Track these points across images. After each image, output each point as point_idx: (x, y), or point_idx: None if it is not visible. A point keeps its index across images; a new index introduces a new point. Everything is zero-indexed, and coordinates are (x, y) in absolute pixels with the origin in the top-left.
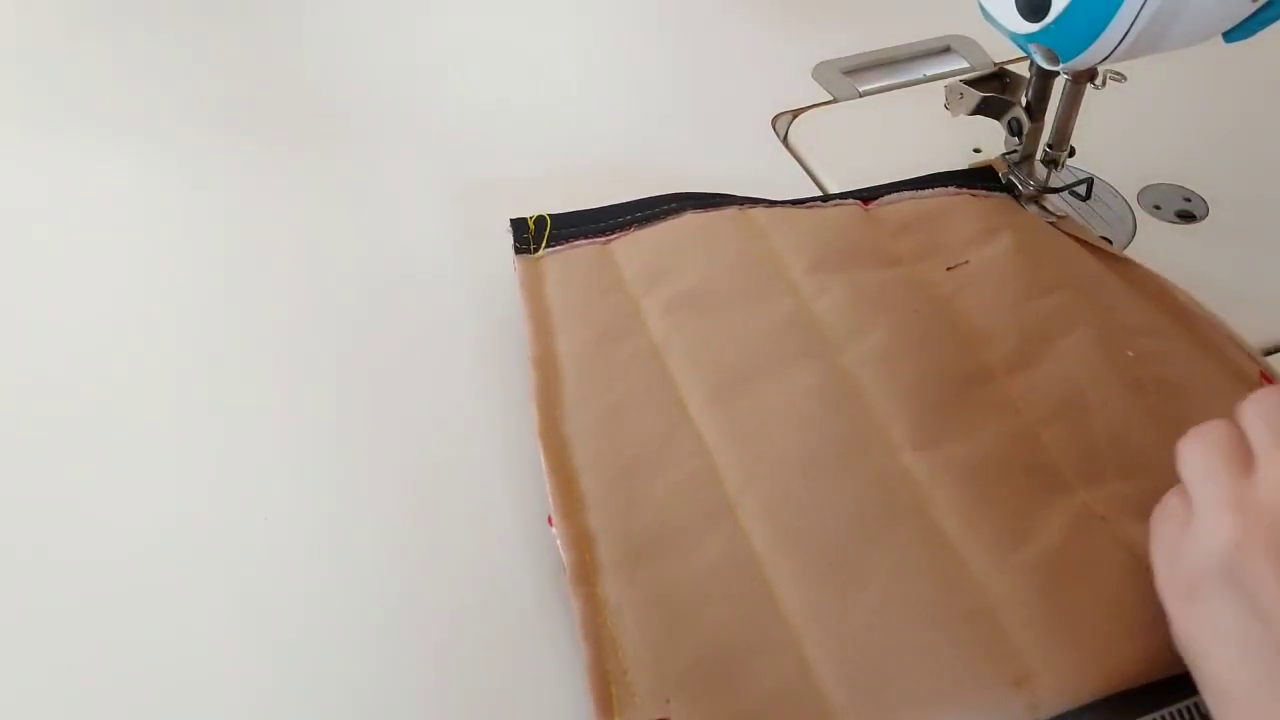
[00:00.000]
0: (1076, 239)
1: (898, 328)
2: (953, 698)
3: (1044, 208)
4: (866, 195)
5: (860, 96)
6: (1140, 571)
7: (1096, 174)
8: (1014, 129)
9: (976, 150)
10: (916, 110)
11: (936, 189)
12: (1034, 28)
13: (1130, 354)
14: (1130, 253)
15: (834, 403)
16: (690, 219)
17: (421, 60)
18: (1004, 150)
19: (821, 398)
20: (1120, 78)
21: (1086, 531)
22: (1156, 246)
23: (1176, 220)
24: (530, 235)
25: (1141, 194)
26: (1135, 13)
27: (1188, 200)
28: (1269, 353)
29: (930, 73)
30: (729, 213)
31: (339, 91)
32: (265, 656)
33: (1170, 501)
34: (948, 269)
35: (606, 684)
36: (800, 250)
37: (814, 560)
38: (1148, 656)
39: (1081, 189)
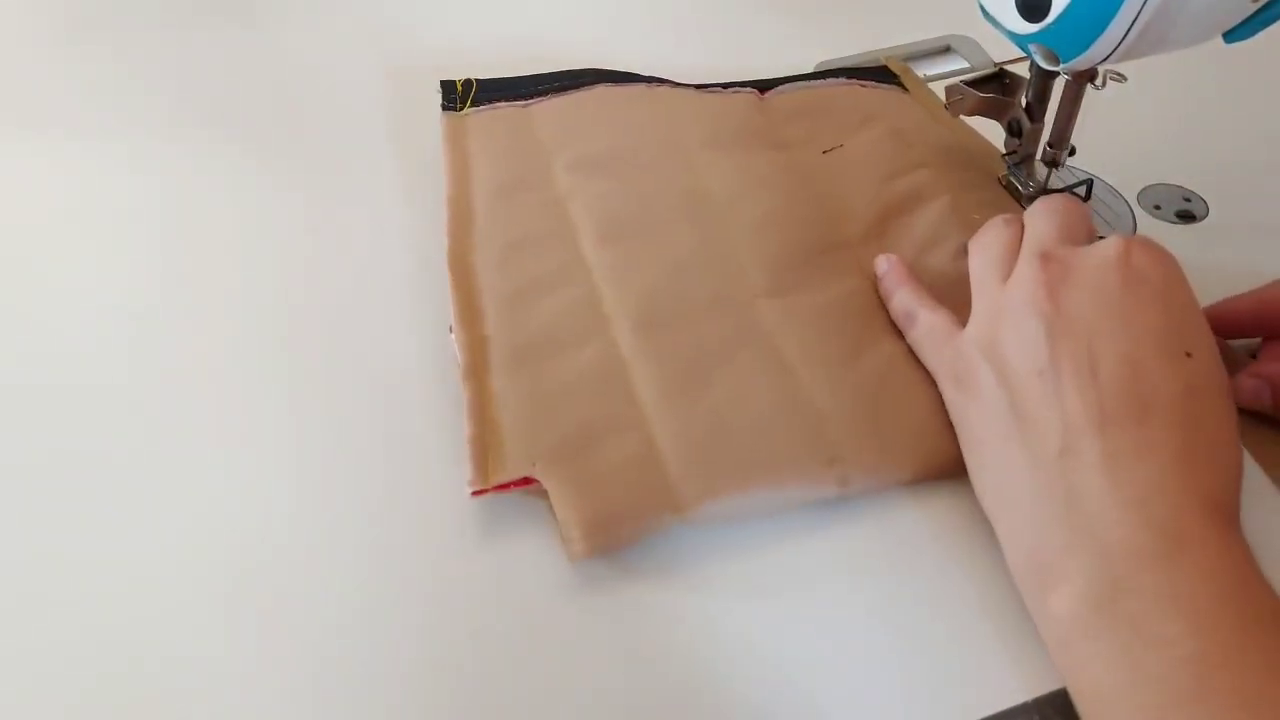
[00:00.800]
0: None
1: (773, 204)
2: (772, 471)
3: None
4: (763, 85)
5: None
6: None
7: (1096, 174)
8: (1014, 130)
9: None
10: None
11: (828, 80)
12: (1034, 28)
13: (976, 217)
14: None
15: (706, 256)
16: (602, 91)
17: (409, 61)
18: (1004, 150)
19: (695, 250)
20: (1120, 78)
21: (908, 363)
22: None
23: (1176, 220)
24: (458, 95)
25: (1141, 194)
26: (1135, 13)
27: (1188, 200)
28: None
29: (930, 73)
30: (638, 89)
31: (323, 90)
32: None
33: (926, 315)
34: (824, 153)
35: (484, 453)
36: (698, 129)
37: (669, 369)
38: (942, 454)
39: (1081, 189)
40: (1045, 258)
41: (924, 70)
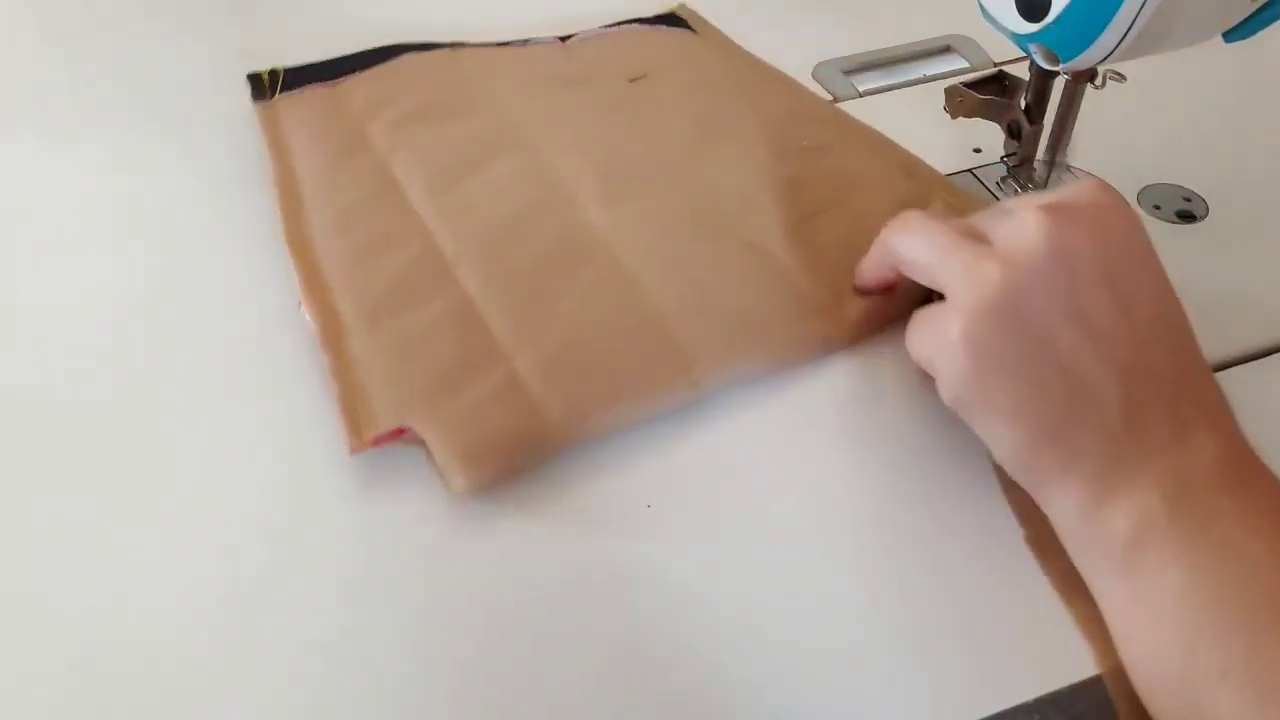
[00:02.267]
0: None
1: (587, 126)
2: (628, 386)
3: None
4: (564, 36)
5: (860, 96)
6: (778, 284)
7: (1096, 174)
8: (1013, 132)
9: (977, 150)
10: (916, 110)
11: (622, 26)
12: (1034, 28)
13: (804, 142)
14: None
15: (531, 181)
16: (408, 59)
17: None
18: (1003, 153)
19: (519, 178)
20: (1120, 78)
21: (740, 255)
22: (1156, 246)
23: (1176, 220)
24: (266, 86)
25: (1141, 194)
26: (1135, 13)
27: (1188, 200)
28: (1270, 353)
29: (930, 73)
30: (442, 53)
31: None
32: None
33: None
34: (630, 81)
35: (355, 413)
36: (506, 77)
37: (516, 297)
38: (782, 343)
39: None
40: (1045, 207)
41: (924, 70)
